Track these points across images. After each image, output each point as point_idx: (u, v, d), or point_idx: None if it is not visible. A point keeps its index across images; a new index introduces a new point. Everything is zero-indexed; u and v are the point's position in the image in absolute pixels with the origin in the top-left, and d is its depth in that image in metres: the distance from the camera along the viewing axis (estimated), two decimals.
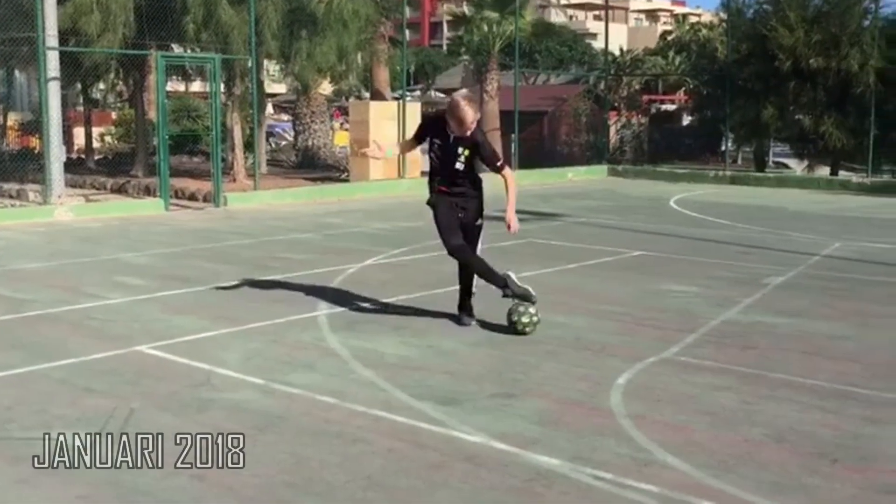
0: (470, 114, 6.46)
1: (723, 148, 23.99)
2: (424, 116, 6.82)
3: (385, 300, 7.83)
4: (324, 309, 7.50)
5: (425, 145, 7.00)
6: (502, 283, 6.69)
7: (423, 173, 20.30)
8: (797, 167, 24.71)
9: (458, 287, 7.07)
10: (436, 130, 6.75)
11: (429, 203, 6.86)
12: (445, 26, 69.35)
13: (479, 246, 6.97)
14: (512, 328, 6.63)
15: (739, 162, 26.85)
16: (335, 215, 14.28)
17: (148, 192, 16.35)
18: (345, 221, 13.52)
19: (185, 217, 14.20)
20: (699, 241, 11.70)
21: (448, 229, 6.75)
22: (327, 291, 8.19)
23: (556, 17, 57.92)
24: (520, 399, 5.25)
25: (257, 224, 13.20)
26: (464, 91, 7.02)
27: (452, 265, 9.55)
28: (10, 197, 15.51)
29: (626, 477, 4.14)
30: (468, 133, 6.56)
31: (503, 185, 6.90)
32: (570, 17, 71.06)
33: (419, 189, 18.57)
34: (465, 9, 24.64)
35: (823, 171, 22.31)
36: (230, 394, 5.29)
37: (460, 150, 6.64)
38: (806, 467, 4.30)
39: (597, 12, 72.66)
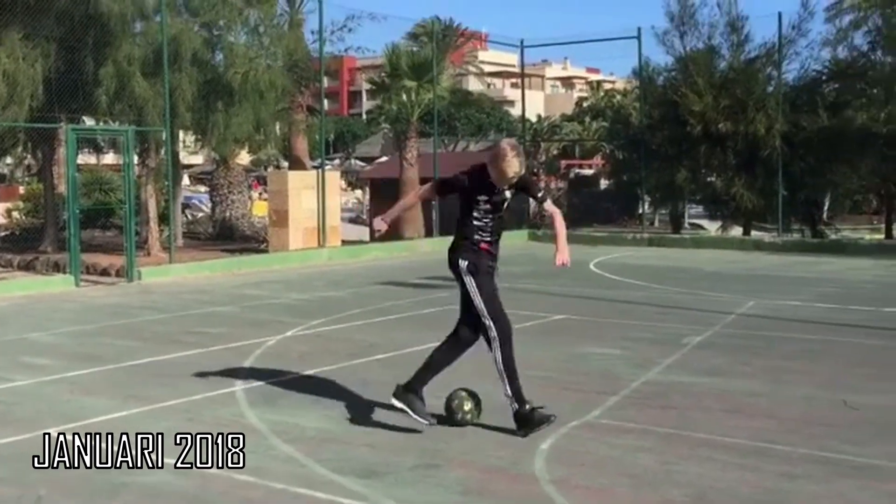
0: (515, 166, 5.74)
1: (640, 211, 24.51)
2: (469, 170, 5.99)
3: (305, 372, 7.68)
4: (241, 384, 7.31)
5: None
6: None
7: (344, 242, 20.27)
8: (712, 228, 25.36)
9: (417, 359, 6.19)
10: (482, 187, 5.83)
11: (465, 269, 5.84)
12: (364, 95, 70.01)
13: None
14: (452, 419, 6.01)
15: (656, 224, 27.47)
16: (253, 287, 14.07)
17: (57, 268, 15.91)
18: (263, 293, 13.33)
19: (96, 293, 13.81)
20: (620, 303, 11.84)
21: (498, 301, 5.90)
22: (245, 365, 8.01)
23: (475, 84, 58.96)
24: (443, 469, 5.16)
25: (172, 298, 12.92)
26: (509, 140, 6.20)
27: (370, 335, 9.52)
28: None
29: None
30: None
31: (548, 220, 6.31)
32: (489, 85, 72.45)
33: (339, 257, 18.53)
34: (384, 77, 24.88)
35: (737, 231, 22.94)
36: (143, 476, 5.07)
37: (508, 194, 5.93)
38: None
39: (514, 80, 74.24)
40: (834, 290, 13.18)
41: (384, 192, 24.91)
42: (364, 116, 65.34)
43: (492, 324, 5.82)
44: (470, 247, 5.87)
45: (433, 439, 5.73)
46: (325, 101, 23.28)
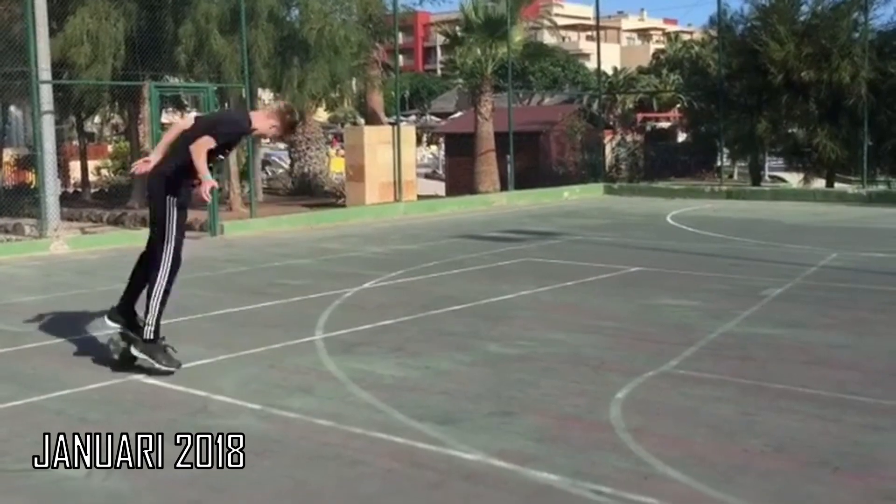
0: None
1: (718, 163, 24.06)
2: (246, 118, 6.72)
3: (382, 322, 7.80)
4: (321, 333, 7.47)
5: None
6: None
7: (420, 197, 20.36)
8: (793, 180, 24.77)
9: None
10: (241, 135, 6.82)
11: (174, 203, 6.24)
12: (439, 51, 69.79)
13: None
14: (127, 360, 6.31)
15: (735, 177, 26.96)
16: (332, 240, 14.27)
17: (144, 223, 16.30)
18: (341, 246, 13.51)
19: None
20: (696, 255, 11.69)
21: (184, 235, 6.44)
22: (324, 315, 8.16)
23: (549, 38, 58.18)
24: (518, 416, 5.22)
25: (254, 251, 13.19)
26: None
27: (446, 286, 9.61)
28: (6, 231, 15.50)
29: (627, 491, 4.10)
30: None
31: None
32: (563, 39, 71.41)
33: (415, 211, 18.64)
34: (458, 31, 24.75)
35: (819, 184, 22.36)
36: (227, 420, 5.25)
37: None
38: (807, 476, 4.27)
39: (589, 33, 73.05)
40: None
41: (460, 146, 24.91)
42: (439, 72, 65.12)
43: (171, 250, 6.23)
44: (186, 185, 6.26)
45: (508, 388, 5.79)
46: (400, 57, 23.26)
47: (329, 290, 9.50)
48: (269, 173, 29.22)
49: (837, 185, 21.76)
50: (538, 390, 5.74)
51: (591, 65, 50.54)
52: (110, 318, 6.53)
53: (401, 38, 24.04)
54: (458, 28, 24.96)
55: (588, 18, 68.66)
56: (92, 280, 10.82)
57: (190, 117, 6.77)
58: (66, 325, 8.04)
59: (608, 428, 4.98)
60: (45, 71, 14.13)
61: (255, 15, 17.28)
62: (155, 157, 6.44)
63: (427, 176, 30.62)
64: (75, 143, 24.86)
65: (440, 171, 31.34)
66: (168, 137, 6.54)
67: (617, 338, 7.14)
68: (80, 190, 22.52)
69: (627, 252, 12.06)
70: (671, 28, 72.87)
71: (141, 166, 6.51)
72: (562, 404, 5.44)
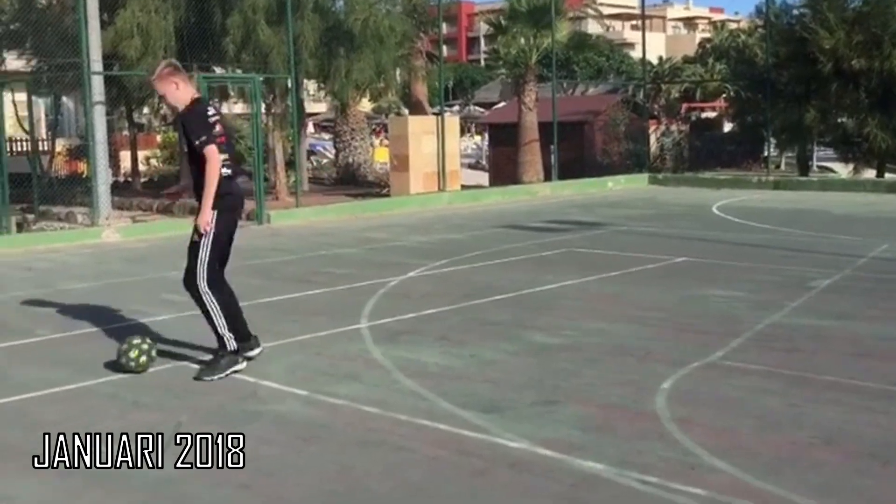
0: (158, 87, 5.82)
1: (765, 153, 23.77)
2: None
3: (427, 311, 7.85)
4: (367, 321, 7.54)
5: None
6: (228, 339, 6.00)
7: (463, 187, 20.38)
8: (842, 171, 24.37)
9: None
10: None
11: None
12: (483, 41, 69.60)
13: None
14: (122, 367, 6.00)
15: (783, 167, 26.59)
16: (376, 230, 14.35)
17: (193, 212, 16.56)
18: (386, 235, 13.59)
19: None
20: (743, 245, 11.58)
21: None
22: (370, 304, 8.23)
23: (594, 27, 57.78)
24: (563, 405, 5.23)
25: (300, 240, 13.32)
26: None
27: (490, 275, 9.63)
28: (59, 220, 15.82)
29: (673, 480, 4.10)
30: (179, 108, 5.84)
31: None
32: (608, 28, 70.79)
33: (459, 201, 18.67)
34: (502, 20, 24.69)
35: (869, 174, 22.00)
36: (275, 405, 5.34)
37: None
38: (856, 469, 4.24)
39: (634, 22, 72.39)
40: None
41: (503, 137, 24.88)
42: (482, 62, 65.01)
43: (210, 279, 6.16)
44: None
45: (552, 377, 5.81)
46: (444, 47, 23.26)
47: (374, 278, 9.58)
48: (315, 163, 29.44)
49: (888, 176, 21.38)
50: (582, 380, 5.75)
51: (635, 54, 50.10)
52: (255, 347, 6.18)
53: (445, 28, 24.07)
54: (502, 17, 24.89)
55: (633, 7, 68.07)
56: (142, 268, 11.01)
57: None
58: (117, 311, 8.21)
59: (654, 418, 4.98)
60: (96, 62, 14.37)
61: (301, 6, 17.42)
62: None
63: (471, 166, 30.62)
64: (125, 133, 25.22)
65: (484, 162, 31.31)
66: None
67: (662, 328, 7.12)
68: (130, 179, 22.85)
69: (673, 242, 11.98)
70: (717, 17, 71.95)
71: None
72: (607, 394, 5.45)
